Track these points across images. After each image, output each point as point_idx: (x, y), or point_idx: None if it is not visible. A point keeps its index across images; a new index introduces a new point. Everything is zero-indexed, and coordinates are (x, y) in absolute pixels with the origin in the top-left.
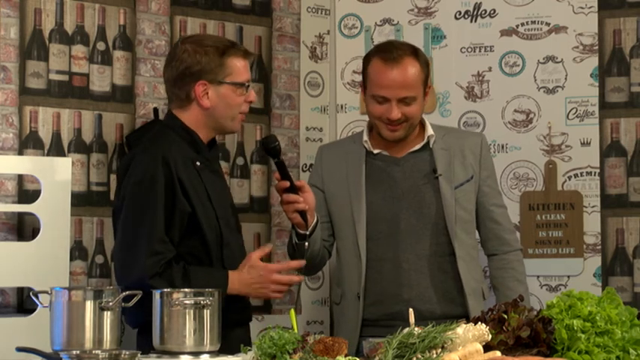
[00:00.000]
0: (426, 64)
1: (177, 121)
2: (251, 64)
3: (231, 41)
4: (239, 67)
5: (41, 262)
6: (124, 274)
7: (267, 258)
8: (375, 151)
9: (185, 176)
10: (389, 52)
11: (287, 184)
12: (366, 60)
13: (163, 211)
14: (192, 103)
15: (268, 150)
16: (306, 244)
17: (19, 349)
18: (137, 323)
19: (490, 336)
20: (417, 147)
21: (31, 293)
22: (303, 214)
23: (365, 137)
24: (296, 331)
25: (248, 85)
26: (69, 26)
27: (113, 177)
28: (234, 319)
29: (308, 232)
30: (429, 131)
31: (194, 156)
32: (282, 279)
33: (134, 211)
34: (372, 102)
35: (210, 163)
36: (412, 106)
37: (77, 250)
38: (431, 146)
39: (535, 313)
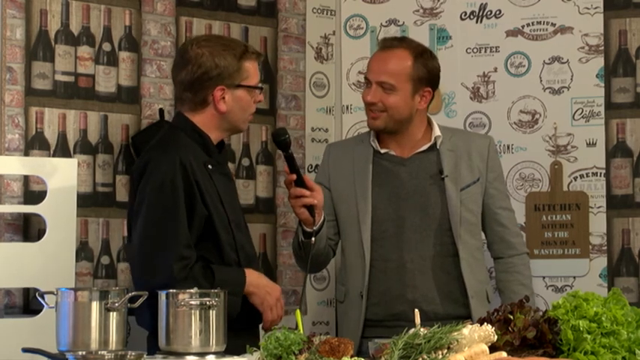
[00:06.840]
0: (423, 66)
1: (189, 123)
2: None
3: (244, 43)
4: (253, 70)
5: (47, 262)
6: (147, 279)
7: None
8: (382, 151)
9: (200, 179)
10: (389, 41)
11: (295, 177)
12: None
13: (185, 216)
14: (208, 107)
15: (278, 142)
16: (313, 240)
17: (25, 350)
18: (152, 325)
19: (496, 337)
20: (424, 147)
21: (36, 294)
22: (310, 210)
23: (372, 137)
24: (302, 331)
25: (262, 87)
26: (74, 27)
27: (119, 178)
28: (246, 322)
29: (315, 229)
30: (437, 132)
31: (205, 158)
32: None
33: (156, 216)
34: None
35: (221, 165)
36: (391, 96)
37: (83, 251)
38: (438, 147)
39: (541, 313)
